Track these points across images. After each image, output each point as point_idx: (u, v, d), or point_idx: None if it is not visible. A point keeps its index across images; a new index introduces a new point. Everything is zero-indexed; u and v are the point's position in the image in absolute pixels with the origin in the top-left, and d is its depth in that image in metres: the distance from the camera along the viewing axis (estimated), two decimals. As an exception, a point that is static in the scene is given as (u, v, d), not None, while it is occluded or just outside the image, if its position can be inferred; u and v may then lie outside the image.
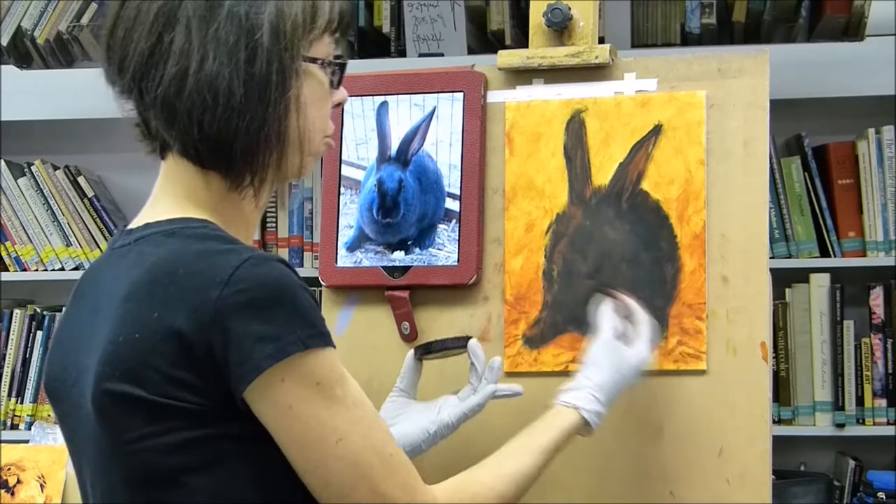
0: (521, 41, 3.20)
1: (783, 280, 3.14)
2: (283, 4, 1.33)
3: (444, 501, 1.33)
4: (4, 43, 3.46)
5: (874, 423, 3.13)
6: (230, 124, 1.30)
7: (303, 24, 1.34)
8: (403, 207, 1.79)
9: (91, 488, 1.35)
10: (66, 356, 1.36)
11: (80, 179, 3.46)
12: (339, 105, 1.42)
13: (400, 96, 1.82)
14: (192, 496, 1.27)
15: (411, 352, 1.67)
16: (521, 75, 1.80)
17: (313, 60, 1.36)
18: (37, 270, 3.43)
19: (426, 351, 1.67)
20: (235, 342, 1.23)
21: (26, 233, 3.44)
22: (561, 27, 1.78)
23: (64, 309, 1.43)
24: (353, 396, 1.29)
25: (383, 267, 1.79)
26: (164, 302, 1.25)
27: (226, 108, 1.30)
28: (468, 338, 1.64)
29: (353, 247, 1.81)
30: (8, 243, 3.44)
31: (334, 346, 1.28)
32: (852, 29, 3.19)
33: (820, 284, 3.16)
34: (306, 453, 1.26)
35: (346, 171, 1.83)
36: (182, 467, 1.27)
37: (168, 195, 1.37)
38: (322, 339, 1.26)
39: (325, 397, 1.26)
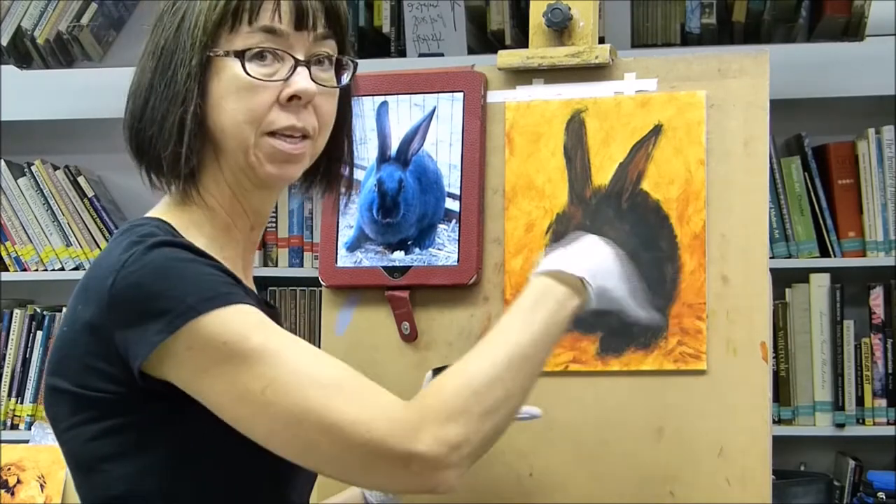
0: (521, 41, 3.20)
1: (783, 280, 3.14)
2: (196, 3, 1.35)
3: (408, 409, 1.25)
4: (4, 43, 3.46)
5: (874, 423, 3.13)
6: (137, 122, 1.36)
7: (204, 18, 1.34)
8: (403, 207, 1.79)
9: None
10: None
11: (80, 179, 3.46)
12: (298, 98, 1.36)
13: (400, 96, 1.82)
14: (112, 485, 1.30)
15: (430, 373, 1.63)
16: (521, 75, 1.80)
17: (216, 53, 1.34)
18: (37, 270, 3.43)
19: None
20: (130, 325, 1.25)
21: (26, 233, 3.44)
22: (561, 27, 1.78)
23: None
24: (277, 341, 1.26)
25: (383, 267, 1.79)
26: (84, 296, 1.31)
27: (135, 107, 1.37)
28: None
29: (353, 247, 1.81)
30: (8, 243, 3.44)
31: (238, 303, 1.26)
32: (852, 29, 3.19)
33: (820, 284, 3.16)
34: (237, 411, 1.25)
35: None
36: (102, 456, 1.30)
37: (162, 199, 1.43)
38: (217, 300, 1.25)
39: (237, 353, 1.24)
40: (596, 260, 1.45)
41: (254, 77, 1.34)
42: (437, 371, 1.63)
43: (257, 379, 1.23)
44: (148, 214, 1.39)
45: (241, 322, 1.26)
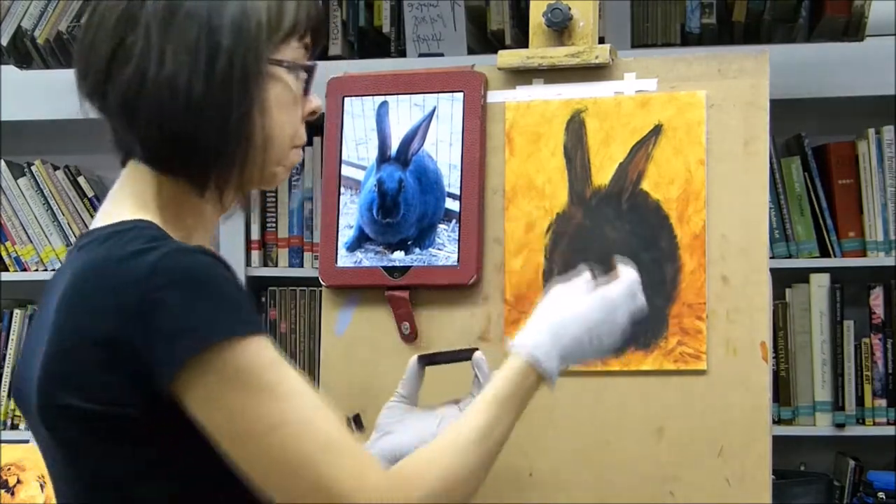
0: (521, 41, 3.20)
1: (783, 280, 3.14)
2: (248, 4, 1.32)
3: (393, 483, 1.26)
4: (4, 43, 3.46)
5: (874, 423, 3.12)
6: (190, 123, 1.30)
7: (267, 25, 1.32)
8: (403, 207, 1.79)
9: (55, 495, 1.35)
10: (23, 366, 1.35)
11: (80, 179, 3.46)
12: (314, 114, 1.39)
13: (400, 96, 1.82)
14: None
15: (414, 358, 1.61)
16: (521, 75, 1.80)
17: (279, 63, 1.33)
18: (37, 270, 3.42)
19: (430, 361, 1.62)
20: (158, 337, 1.20)
21: (26, 233, 3.44)
22: (561, 27, 1.78)
23: None
24: (289, 384, 1.23)
25: (383, 267, 1.79)
26: (90, 308, 1.24)
27: (186, 108, 1.29)
28: (474, 349, 1.60)
29: (353, 247, 1.81)
30: (8, 243, 3.43)
31: (264, 334, 1.24)
32: (852, 29, 3.18)
33: (820, 284, 3.15)
34: (238, 446, 1.22)
35: (346, 171, 1.83)
36: (125, 475, 1.26)
37: (117, 199, 1.38)
38: (245, 326, 1.22)
39: (250, 386, 1.21)
40: (570, 337, 1.44)
41: (300, 93, 1.36)
42: (421, 358, 1.62)
43: (263, 419, 1.21)
44: (122, 217, 1.34)
45: (259, 354, 1.23)
